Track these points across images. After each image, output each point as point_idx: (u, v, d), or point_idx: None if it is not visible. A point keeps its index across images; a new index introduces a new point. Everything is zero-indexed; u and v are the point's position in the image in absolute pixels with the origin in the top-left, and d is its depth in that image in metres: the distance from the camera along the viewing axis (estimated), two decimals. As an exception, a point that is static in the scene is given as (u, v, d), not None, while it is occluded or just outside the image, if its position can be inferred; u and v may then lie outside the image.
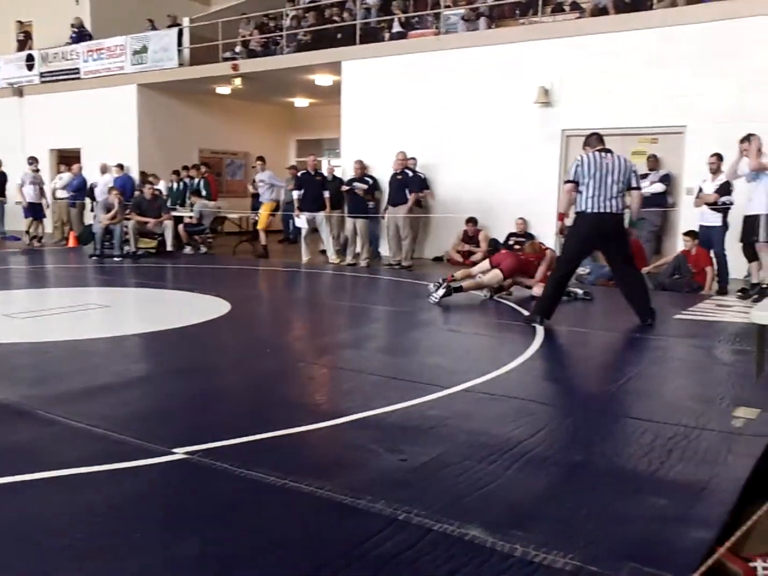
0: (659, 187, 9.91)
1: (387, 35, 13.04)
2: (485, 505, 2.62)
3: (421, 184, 11.24)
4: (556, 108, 10.90)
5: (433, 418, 3.64)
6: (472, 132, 11.69)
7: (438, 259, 11.97)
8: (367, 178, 11.14)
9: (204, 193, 13.50)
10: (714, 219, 8.55)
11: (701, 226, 8.71)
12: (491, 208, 11.36)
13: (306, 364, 4.97)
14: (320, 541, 2.36)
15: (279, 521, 2.51)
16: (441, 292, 7.43)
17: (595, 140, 6.36)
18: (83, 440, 3.24)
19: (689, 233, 8.71)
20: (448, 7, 12.61)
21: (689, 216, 9.27)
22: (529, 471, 2.96)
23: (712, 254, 8.62)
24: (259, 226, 12.53)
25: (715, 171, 8.54)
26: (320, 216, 11.12)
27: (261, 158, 12.83)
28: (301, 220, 11.31)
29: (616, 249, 6.34)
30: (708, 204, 8.54)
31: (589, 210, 6.13)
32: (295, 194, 11.29)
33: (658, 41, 10.10)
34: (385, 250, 11.87)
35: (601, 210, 6.10)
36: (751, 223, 7.83)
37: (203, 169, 14.66)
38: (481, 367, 4.70)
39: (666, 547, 2.33)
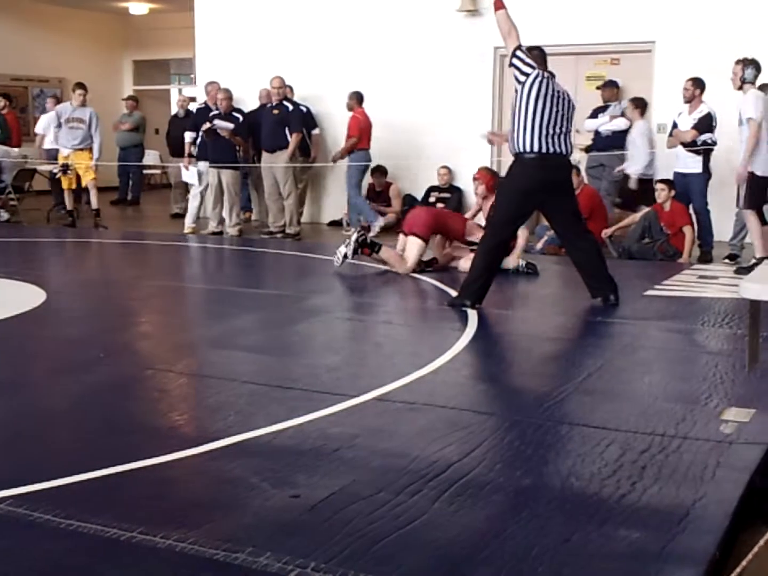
0: (622, 123, 10.13)
1: None
2: (408, 551, 2.66)
3: (305, 120, 11.20)
4: (486, 18, 11.00)
5: (335, 438, 3.66)
6: (374, 51, 11.67)
7: (336, 224, 12.00)
8: (235, 114, 10.98)
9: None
10: (692, 164, 8.85)
11: (676, 174, 9.00)
12: (404, 153, 11.41)
13: (156, 371, 4.94)
14: (185, 613, 2.36)
15: (126, 588, 2.48)
16: (350, 248, 7.63)
17: (539, 57, 6.40)
18: None
19: (664, 181, 8.96)
20: None
21: (662, 160, 9.57)
22: (464, 502, 3.02)
23: (691, 210, 8.92)
24: (89, 178, 11.85)
25: (691, 100, 8.82)
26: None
27: (79, 85, 12.16)
28: (191, 173, 11.16)
29: (564, 205, 6.49)
30: (684, 144, 8.84)
31: (533, 151, 6.20)
32: (188, 136, 11.18)
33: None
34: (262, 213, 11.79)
35: (550, 151, 6.21)
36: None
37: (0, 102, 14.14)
38: (396, 367, 4.78)
39: (641, 593, 2.44)
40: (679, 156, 8.96)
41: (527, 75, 6.21)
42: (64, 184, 11.77)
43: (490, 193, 7.82)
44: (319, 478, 3.22)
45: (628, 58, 10.68)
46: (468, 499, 3.04)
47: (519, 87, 6.28)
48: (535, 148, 6.19)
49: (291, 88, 11.55)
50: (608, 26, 10.41)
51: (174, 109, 15.22)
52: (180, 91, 17.10)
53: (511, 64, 6.34)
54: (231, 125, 10.78)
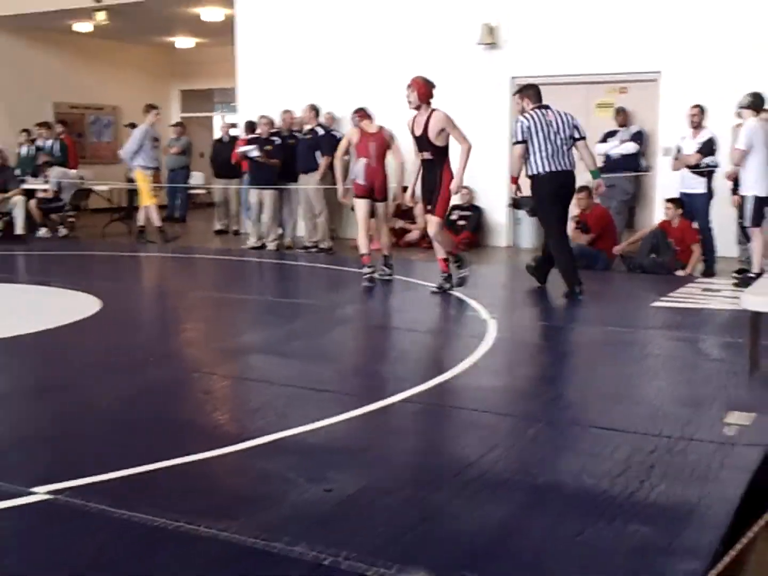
0: (631, 147, 10.15)
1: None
2: (431, 542, 2.66)
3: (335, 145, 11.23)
4: (503, 50, 11.02)
5: (364, 437, 3.69)
6: (401, 80, 11.63)
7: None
8: (273, 138, 11.01)
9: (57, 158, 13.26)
10: (696, 184, 8.77)
11: (682, 194, 8.94)
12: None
13: (201, 374, 4.95)
14: (226, 597, 2.36)
15: (172, 573, 2.48)
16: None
17: (534, 95, 7.44)
18: None
19: (673, 200, 8.86)
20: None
21: (667, 182, 9.52)
22: (484, 498, 3.01)
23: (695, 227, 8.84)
24: (146, 202, 11.72)
25: (697, 126, 8.77)
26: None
27: (154, 106, 12.00)
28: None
29: (564, 211, 7.43)
30: (689, 166, 8.79)
31: (543, 171, 7.18)
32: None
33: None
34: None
35: (557, 169, 7.17)
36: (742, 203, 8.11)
37: (59, 128, 14.28)
38: (421, 372, 4.81)
39: (650, 584, 2.41)
40: (684, 177, 8.89)
41: (525, 123, 7.24)
42: (149, 201, 11.60)
43: (423, 102, 7.51)
44: (349, 474, 3.23)
45: (635, 86, 10.63)
46: (487, 495, 3.03)
47: None
48: (545, 168, 7.15)
49: (332, 115, 11.68)
50: (617, 57, 10.37)
51: (217, 134, 15.36)
52: (223, 117, 17.16)
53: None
54: (252, 147, 10.78)
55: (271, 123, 11.06)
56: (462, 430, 3.77)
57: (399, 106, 11.64)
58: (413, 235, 11.35)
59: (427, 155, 7.38)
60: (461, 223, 11.03)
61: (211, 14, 14.31)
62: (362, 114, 8.55)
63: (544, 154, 7.16)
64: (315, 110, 10.64)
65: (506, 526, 2.80)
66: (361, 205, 8.11)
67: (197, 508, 2.88)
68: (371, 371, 4.97)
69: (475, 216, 11.14)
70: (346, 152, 8.79)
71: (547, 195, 7.26)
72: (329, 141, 10.79)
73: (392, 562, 2.49)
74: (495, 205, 11.16)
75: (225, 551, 2.60)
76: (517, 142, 7.32)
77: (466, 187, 11.10)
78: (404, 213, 11.53)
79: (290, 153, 11.00)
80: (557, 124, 7.24)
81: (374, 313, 7.06)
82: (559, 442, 3.67)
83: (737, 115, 8.06)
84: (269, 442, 3.58)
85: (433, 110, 7.39)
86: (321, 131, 10.79)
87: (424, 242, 11.22)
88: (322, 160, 10.58)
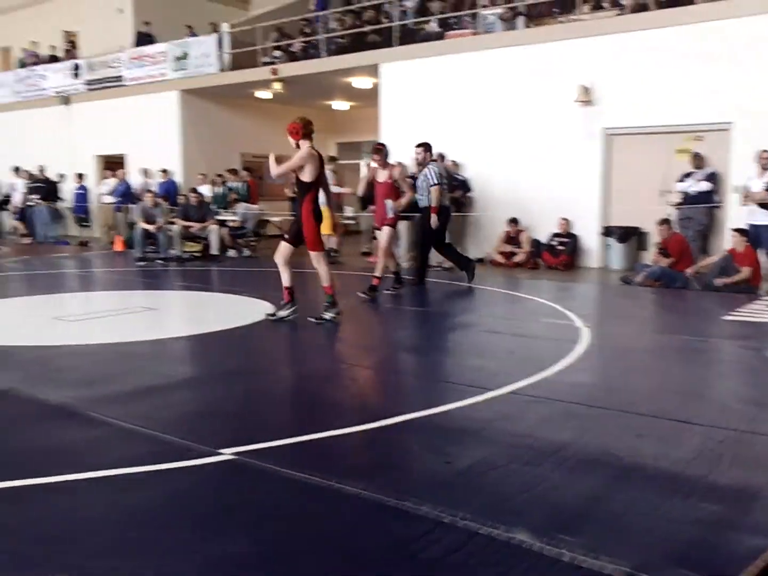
0: (706, 186, 9.71)
1: (424, 36, 13.01)
2: (532, 508, 2.59)
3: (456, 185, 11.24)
4: (597, 106, 10.75)
5: (478, 420, 3.63)
6: (512, 132, 11.60)
7: (480, 261, 11.86)
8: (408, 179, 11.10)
9: (243, 196, 13.74)
10: (763, 217, 8.34)
11: (750, 225, 8.50)
12: (533, 208, 11.24)
13: (350, 366, 4.98)
14: (365, 543, 2.37)
15: (324, 522, 2.52)
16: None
17: (431, 150, 8.40)
18: (131, 441, 3.29)
19: (739, 230, 8.45)
20: (485, 6, 12.53)
21: (736, 214, 9.09)
22: (577, 474, 2.92)
23: (760, 254, 8.39)
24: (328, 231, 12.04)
25: (766, 167, 8.32)
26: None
27: (333, 158, 12.29)
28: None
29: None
30: (757, 202, 8.35)
31: (443, 204, 8.33)
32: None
33: (700, 36, 9.89)
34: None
35: (445, 203, 8.42)
36: None
37: (244, 173, 14.81)
38: (525, 369, 4.65)
39: (718, 554, 2.28)
40: (752, 211, 8.46)
41: (437, 171, 8.29)
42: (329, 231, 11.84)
43: (298, 139, 6.50)
44: (465, 450, 3.19)
45: (710, 135, 10.16)
46: (580, 472, 2.94)
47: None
48: (443, 203, 8.30)
49: (455, 162, 11.68)
50: (694, 110, 9.97)
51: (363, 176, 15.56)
52: (369, 164, 17.41)
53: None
54: None
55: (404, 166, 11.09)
56: (559, 417, 3.65)
57: (512, 153, 11.70)
58: (519, 257, 11.19)
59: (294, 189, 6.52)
60: (560, 248, 10.80)
61: (361, 83, 14.55)
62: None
63: (441, 193, 8.21)
64: (441, 158, 10.63)
65: (594, 497, 2.71)
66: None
67: (344, 471, 2.90)
68: (485, 367, 4.86)
69: (571, 242, 10.89)
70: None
71: (441, 221, 8.31)
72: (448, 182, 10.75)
73: (500, 523, 2.45)
74: (588, 232, 10.91)
75: (366, 507, 2.61)
76: (437, 184, 8.14)
77: (564, 218, 10.91)
78: (512, 239, 11.40)
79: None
80: (443, 173, 8.43)
81: (486, 321, 6.93)
82: (642, 430, 3.49)
83: None
84: (401, 422, 3.56)
85: (308, 147, 6.37)
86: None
87: (529, 263, 11.08)
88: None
